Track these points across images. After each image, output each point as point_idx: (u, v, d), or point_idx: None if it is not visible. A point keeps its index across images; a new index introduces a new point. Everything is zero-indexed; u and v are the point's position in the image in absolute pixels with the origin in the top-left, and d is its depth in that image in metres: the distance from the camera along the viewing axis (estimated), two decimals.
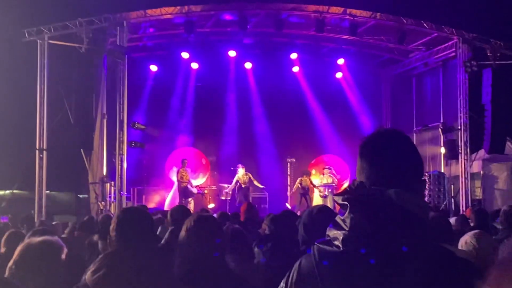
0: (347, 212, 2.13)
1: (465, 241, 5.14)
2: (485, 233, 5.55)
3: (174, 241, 4.31)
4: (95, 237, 5.70)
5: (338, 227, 2.15)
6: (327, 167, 22.61)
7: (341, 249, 2.10)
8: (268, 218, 6.18)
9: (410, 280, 1.97)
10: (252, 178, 21.38)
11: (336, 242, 2.13)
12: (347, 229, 2.10)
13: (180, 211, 6.69)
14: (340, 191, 2.25)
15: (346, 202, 2.15)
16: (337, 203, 2.22)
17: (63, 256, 4.18)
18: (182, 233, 3.99)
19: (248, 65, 23.73)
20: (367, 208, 2.10)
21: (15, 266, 4.04)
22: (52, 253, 4.16)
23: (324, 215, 4.44)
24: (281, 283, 2.33)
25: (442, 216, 6.05)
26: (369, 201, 2.12)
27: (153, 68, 22.81)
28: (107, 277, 3.69)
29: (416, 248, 2.03)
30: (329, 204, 20.42)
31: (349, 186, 2.25)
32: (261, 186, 21.71)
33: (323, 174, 22.33)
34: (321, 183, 22.16)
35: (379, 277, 2.02)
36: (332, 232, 2.17)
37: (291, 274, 2.28)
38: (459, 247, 5.09)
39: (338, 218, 2.18)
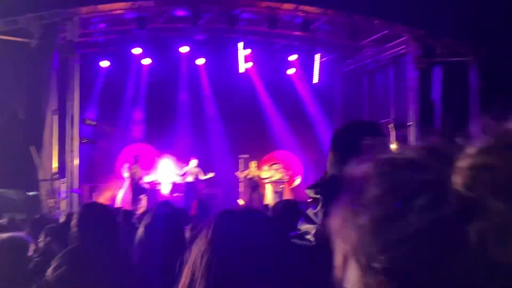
0: (320, 205, 2.10)
1: None
2: None
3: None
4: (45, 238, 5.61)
5: (309, 221, 2.13)
6: (275, 163, 22.69)
7: (313, 243, 2.07)
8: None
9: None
10: (199, 172, 21.46)
11: (308, 236, 2.10)
12: (319, 222, 2.07)
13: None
14: (312, 184, 2.22)
15: (318, 196, 2.13)
16: (310, 197, 2.20)
17: (30, 253, 4.13)
18: (141, 229, 3.95)
19: (200, 61, 23.60)
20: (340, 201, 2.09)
21: None
22: (19, 249, 4.10)
23: (288, 210, 4.45)
24: None
25: None
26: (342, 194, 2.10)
27: (105, 64, 22.54)
28: (69, 273, 3.64)
29: None
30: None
31: (321, 179, 2.23)
32: (205, 177, 21.63)
33: (274, 169, 22.39)
34: (272, 179, 22.21)
35: None
36: (303, 226, 2.14)
37: None
38: None
39: (309, 212, 2.16)
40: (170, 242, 3.87)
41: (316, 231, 2.09)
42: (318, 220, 2.10)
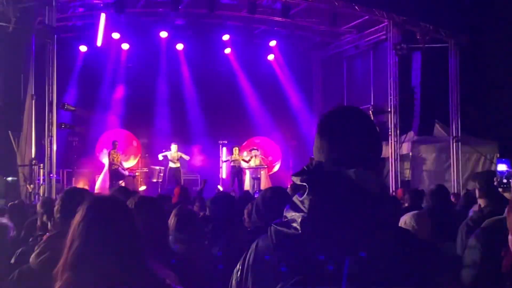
0: (306, 193, 2.07)
1: (404, 221, 5.22)
2: (423, 213, 5.66)
3: None
4: (44, 218, 5.51)
5: (296, 208, 2.09)
6: (254, 148, 22.69)
7: (299, 231, 2.04)
8: (208, 200, 6.17)
9: (371, 261, 1.95)
10: (180, 154, 21.40)
11: (294, 224, 2.06)
12: (305, 210, 2.04)
13: (123, 192, 6.55)
14: (298, 171, 2.19)
15: (304, 183, 2.10)
16: (296, 184, 2.17)
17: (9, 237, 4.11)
18: None
19: (179, 46, 23.49)
20: (327, 189, 2.06)
21: None
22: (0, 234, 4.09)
23: (277, 197, 4.42)
24: (237, 265, 2.27)
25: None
26: (329, 182, 2.07)
27: (83, 48, 22.34)
28: (52, 259, 3.60)
29: (375, 229, 2.01)
30: (262, 185, 20.58)
31: (307, 165, 2.20)
32: (186, 158, 21.62)
33: (253, 155, 22.42)
34: (251, 165, 22.24)
35: (339, 259, 1.98)
36: (290, 214, 2.11)
37: (248, 256, 2.23)
38: None
39: (296, 199, 2.12)
40: (154, 226, 3.86)
41: (302, 219, 2.05)
42: (304, 208, 2.06)
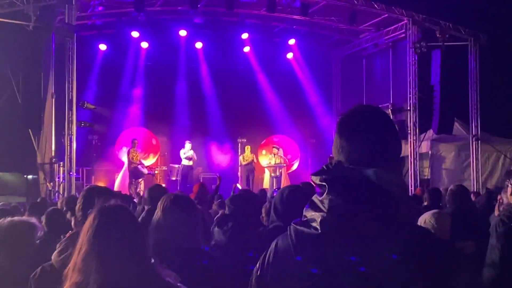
0: (326, 193, 2.07)
1: (424, 220, 5.19)
2: (443, 212, 5.63)
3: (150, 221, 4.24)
4: (68, 215, 5.55)
5: (315, 208, 2.09)
6: (275, 146, 22.69)
7: (319, 231, 2.04)
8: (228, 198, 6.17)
9: (390, 261, 1.95)
10: (192, 153, 21.50)
11: (314, 224, 2.06)
12: (325, 210, 2.04)
13: (158, 190, 6.59)
14: (317, 170, 2.19)
15: (324, 183, 2.10)
16: (315, 183, 2.17)
17: (37, 237, 4.14)
18: (158, 212, 3.95)
19: (198, 45, 23.53)
20: (346, 189, 2.06)
21: None
22: (29, 233, 4.11)
23: (295, 196, 4.42)
24: (257, 264, 2.27)
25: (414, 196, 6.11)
26: (348, 181, 2.07)
27: (102, 47, 22.45)
28: None
29: (394, 229, 2.01)
30: (282, 184, 20.56)
31: (326, 165, 2.19)
32: (190, 155, 21.67)
33: (272, 153, 22.43)
34: (270, 164, 22.23)
35: (358, 259, 1.99)
36: (309, 213, 2.10)
37: (267, 255, 2.23)
38: None
39: (315, 199, 2.12)
40: (187, 224, 3.89)
41: (322, 219, 2.05)
42: (324, 207, 2.07)
